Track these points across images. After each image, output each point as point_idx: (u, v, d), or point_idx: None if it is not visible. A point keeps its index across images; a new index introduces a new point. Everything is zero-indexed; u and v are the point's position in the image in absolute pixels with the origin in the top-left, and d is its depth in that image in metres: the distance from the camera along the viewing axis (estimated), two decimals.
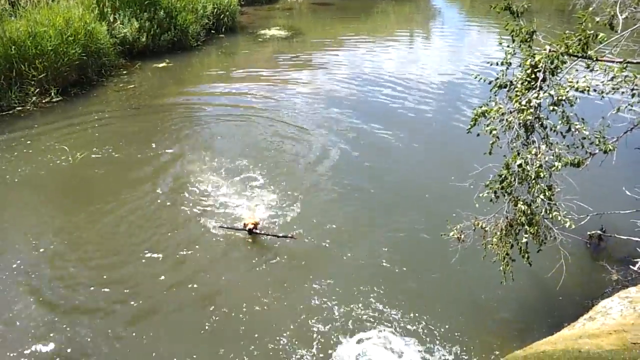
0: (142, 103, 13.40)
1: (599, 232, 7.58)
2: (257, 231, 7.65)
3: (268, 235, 7.71)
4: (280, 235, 7.63)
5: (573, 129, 5.30)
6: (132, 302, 6.55)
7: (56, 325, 6.14)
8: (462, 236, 5.73)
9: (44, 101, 12.61)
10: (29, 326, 6.12)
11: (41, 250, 7.48)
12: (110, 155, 10.33)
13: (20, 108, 12.18)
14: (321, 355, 5.77)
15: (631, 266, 7.04)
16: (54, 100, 12.74)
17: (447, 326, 6.16)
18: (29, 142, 10.73)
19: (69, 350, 5.83)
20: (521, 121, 5.36)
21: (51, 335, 6.01)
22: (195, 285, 6.87)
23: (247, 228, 7.60)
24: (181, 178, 9.54)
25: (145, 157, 10.31)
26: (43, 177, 9.56)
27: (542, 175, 5.32)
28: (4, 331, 6.02)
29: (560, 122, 5.33)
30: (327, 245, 7.72)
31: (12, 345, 5.83)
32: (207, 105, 13.58)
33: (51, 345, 5.88)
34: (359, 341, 5.96)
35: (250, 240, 7.72)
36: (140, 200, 8.75)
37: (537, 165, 5.29)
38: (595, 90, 5.28)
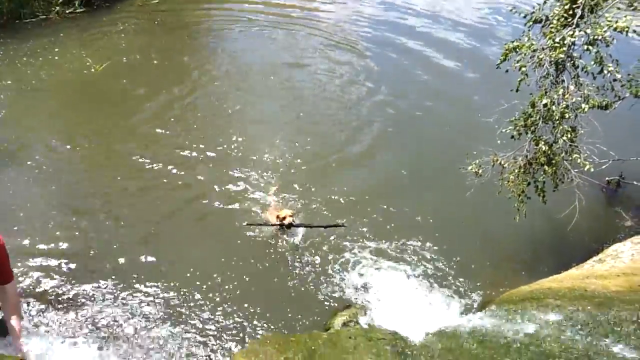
0: (166, 18, 13.13)
1: (617, 177, 7.52)
2: (297, 223, 6.37)
3: (311, 227, 6.50)
4: (327, 225, 6.45)
5: (605, 71, 5.17)
6: (146, 211, 6.72)
7: (65, 225, 6.29)
8: (480, 171, 5.75)
9: (67, 11, 12.41)
10: (41, 225, 6.26)
11: (56, 153, 7.67)
12: (132, 67, 10.31)
13: (44, 17, 12.04)
14: (335, 283, 5.91)
15: None
16: (77, 11, 12.52)
17: (455, 257, 6.27)
18: (54, 49, 10.71)
19: (78, 248, 6.00)
20: (552, 59, 5.23)
21: (61, 234, 6.15)
22: (208, 200, 7.01)
23: (285, 222, 6.20)
24: (204, 95, 9.60)
25: (168, 71, 10.28)
26: (64, 84, 9.64)
27: (567, 116, 5.25)
28: (15, 229, 6.12)
29: (593, 62, 5.19)
30: (343, 158, 7.99)
31: (24, 240, 5.97)
32: (236, 21, 13.16)
33: (62, 244, 6.05)
34: (377, 267, 6.06)
35: (284, 234, 6.55)
36: (158, 113, 8.79)
37: (564, 105, 5.22)
38: (634, 31, 5.10)
